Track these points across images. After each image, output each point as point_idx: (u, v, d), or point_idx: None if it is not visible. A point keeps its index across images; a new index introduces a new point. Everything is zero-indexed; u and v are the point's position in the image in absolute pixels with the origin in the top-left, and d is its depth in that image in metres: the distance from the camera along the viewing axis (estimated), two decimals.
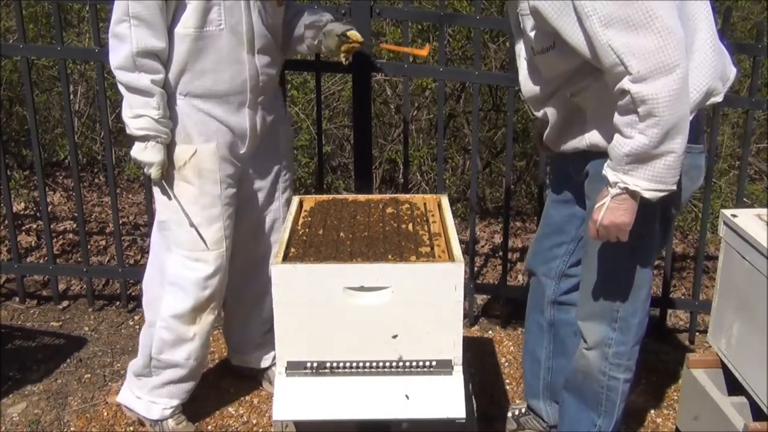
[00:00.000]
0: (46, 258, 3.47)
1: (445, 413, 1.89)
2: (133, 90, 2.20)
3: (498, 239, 4.17)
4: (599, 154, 1.94)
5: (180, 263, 2.38)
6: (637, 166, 1.74)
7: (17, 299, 3.43)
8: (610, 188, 1.80)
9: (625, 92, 1.69)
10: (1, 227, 3.99)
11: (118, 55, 2.19)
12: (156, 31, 2.16)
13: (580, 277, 2.21)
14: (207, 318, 2.45)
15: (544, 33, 1.80)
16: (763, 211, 2.28)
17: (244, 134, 2.37)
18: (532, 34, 1.84)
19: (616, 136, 1.76)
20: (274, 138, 2.51)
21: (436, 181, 3.60)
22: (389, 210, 2.23)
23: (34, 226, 4.15)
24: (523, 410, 2.60)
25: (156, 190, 2.37)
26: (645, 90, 1.65)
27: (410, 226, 2.11)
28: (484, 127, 4.77)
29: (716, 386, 2.32)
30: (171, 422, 2.55)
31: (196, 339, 2.46)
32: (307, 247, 1.97)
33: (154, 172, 2.27)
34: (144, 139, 2.23)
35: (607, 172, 1.80)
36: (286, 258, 1.91)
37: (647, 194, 1.76)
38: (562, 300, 2.35)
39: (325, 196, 2.34)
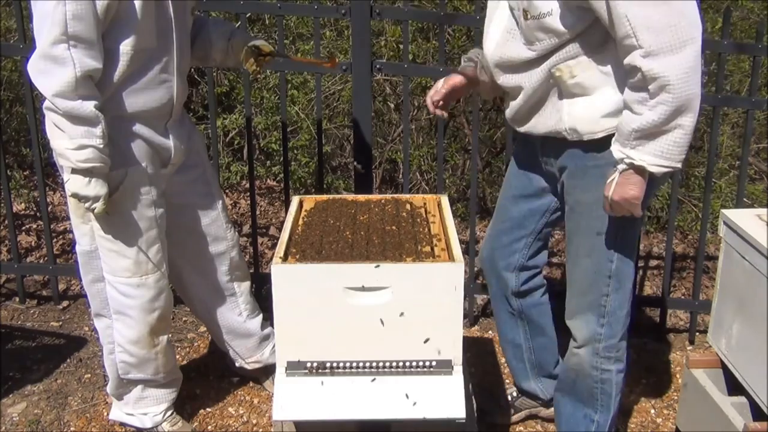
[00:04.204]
0: (46, 258, 3.47)
1: (445, 413, 1.89)
2: (75, 119, 1.99)
3: None
4: (576, 144, 1.94)
5: (120, 291, 2.30)
6: (645, 141, 1.75)
7: (17, 299, 3.43)
8: (617, 164, 1.82)
9: (636, 69, 1.69)
10: (1, 227, 3.99)
11: (55, 80, 1.96)
12: (95, 52, 1.99)
13: (539, 268, 2.32)
14: (164, 337, 2.42)
15: None
16: (763, 211, 2.28)
17: (169, 153, 2.27)
18: None
19: (625, 112, 1.77)
20: (194, 149, 2.43)
21: (436, 181, 3.60)
22: (389, 210, 2.23)
23: (34, 226, 4.15)
24: (515, 393, 2.62)
25: (77, 220, 2.23)
26: (656, 66, 1.66)
27: (410, 226, 2.11)
28: (484, 126, 4.76)
29: (716, 386, 2.32)
30: (166, 425, 2.55)
31: (159, 356, 2.42)
32: (307, 247, 1.97)
33: (99, 207, 2.09)
34: (87, 172, 2.05)
35: (614, 148, 1.82)
36: (286, 258, 1.91)
37: (652, 169, 1.77)
38: (524, 290, 2.38)
39: (325, 196, 2.34)
